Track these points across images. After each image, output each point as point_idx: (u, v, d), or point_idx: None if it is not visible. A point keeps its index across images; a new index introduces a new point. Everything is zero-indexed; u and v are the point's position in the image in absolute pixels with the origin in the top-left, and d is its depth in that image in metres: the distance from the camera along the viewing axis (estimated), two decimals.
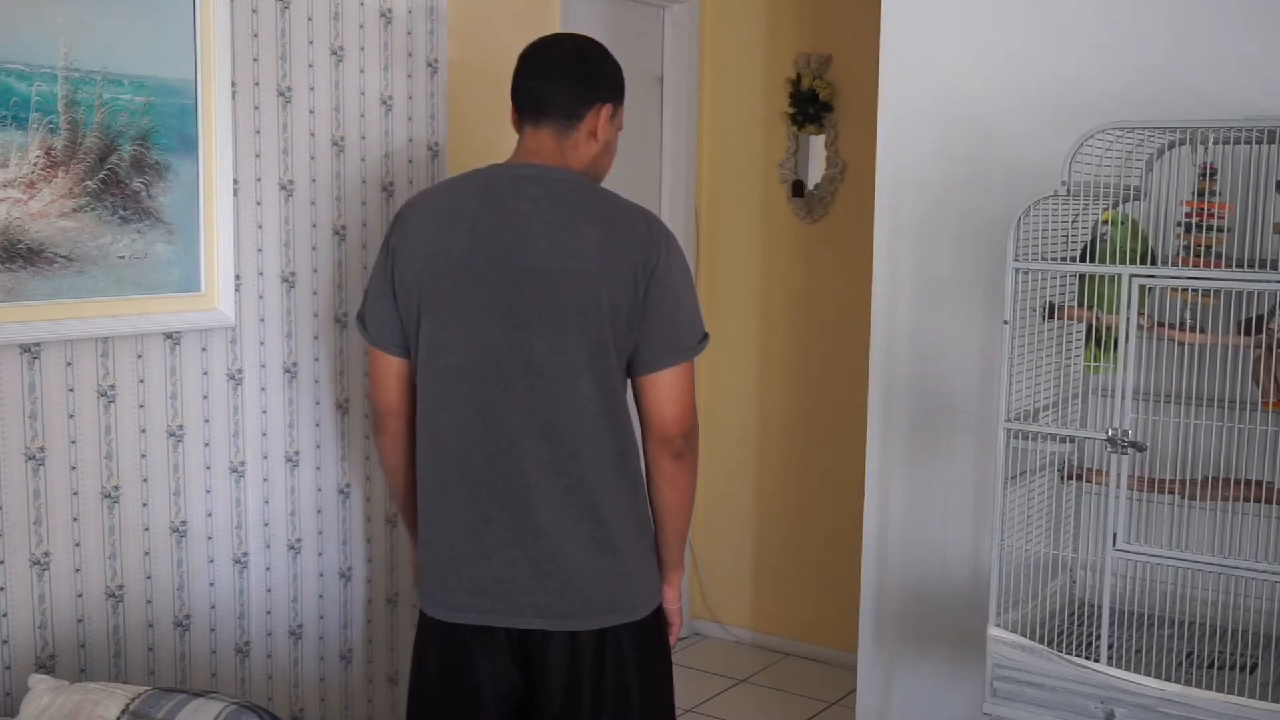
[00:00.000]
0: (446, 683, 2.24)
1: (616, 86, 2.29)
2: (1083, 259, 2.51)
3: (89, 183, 2.57)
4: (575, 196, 2.17)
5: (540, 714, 2.20)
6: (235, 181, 2.87)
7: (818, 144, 4.47)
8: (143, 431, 2.74)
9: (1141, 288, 2.38)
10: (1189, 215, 2.41)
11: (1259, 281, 2.27)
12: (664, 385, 2.17)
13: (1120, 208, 2.61)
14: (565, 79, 2.22)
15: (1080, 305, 2.53)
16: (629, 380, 2.20)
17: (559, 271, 2.11)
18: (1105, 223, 2.45)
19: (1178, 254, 2.43)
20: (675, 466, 2.22)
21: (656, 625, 2.26)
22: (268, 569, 3.06)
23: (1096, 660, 2.43)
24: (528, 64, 2.26)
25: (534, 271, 2.12)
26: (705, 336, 2.23)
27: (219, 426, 2.90)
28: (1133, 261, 2.42)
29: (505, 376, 2.13)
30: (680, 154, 4.56)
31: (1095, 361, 2.57)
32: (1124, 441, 2.39)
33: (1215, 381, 2.50)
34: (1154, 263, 2.47)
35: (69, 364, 2.59)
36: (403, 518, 2.45)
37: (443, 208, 2.21)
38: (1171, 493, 2.52)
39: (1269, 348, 2.34)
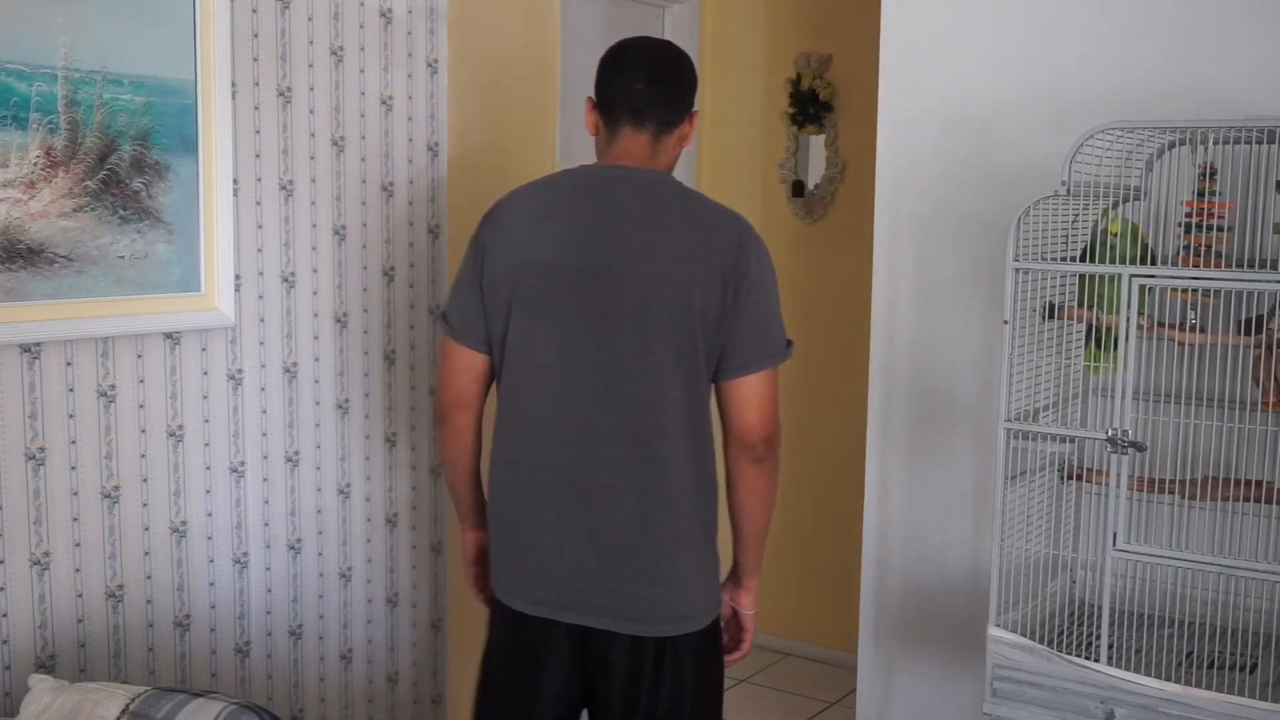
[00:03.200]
0: (510, 670, 2.25)
1: (695, 92, 2.34)
2: (1083, 259, 2.51)
3: (89, 183, 2.57)
4: (668, 198, 2.19)
5: (597, 712, 2.21)
6: (235, 181, 2.87)
7: (818, 144, 4.47)
8: (143, 431, 2.74)
9: (1141, 288, 2.38)
10: (1189, 215, 2.40)
11: (1259, 281, 2.27)
12: (748, 390, 2.16)
13: (1120, 209, 2.61)
14: (668, 86, 2.25)
15: (1080, 305, 2.53)
16: (712, 384, 2.19)
17: (649, 274, 2.12)
18: (1113, 234, 2.45)
19: (1178, 254, 2.43)
20: (756, 472, 2.20)
21: (714, 635, 2.24)
22: (268, 569, 3.06)
23: (1096, 660, 2.43)
24: (627, 68, 2.25)
25: (624, 273, 2.12)
26: (790, 343, 2.23)
27: (219, 426, 2.90)
28: (1133, 262, 2.42)
29: (591, 377, 2.13)
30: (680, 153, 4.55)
31: (1095, 361, 2.56)
32: (1124, 441, 2.39)
33: (1215, 381, 2.50)
34: (1154, 263, 2.47)
35: (69, 364, 2.59)
36: (458, 508, 2.44)
37: (536, 208, 2.22)
38: (1171, 493, 2.52)
39: (1269, 348, 2.34)
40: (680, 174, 4.70)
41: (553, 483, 2.17)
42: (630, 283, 2.12)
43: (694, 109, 2.30)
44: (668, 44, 2.36)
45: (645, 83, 2.23)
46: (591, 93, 2.31)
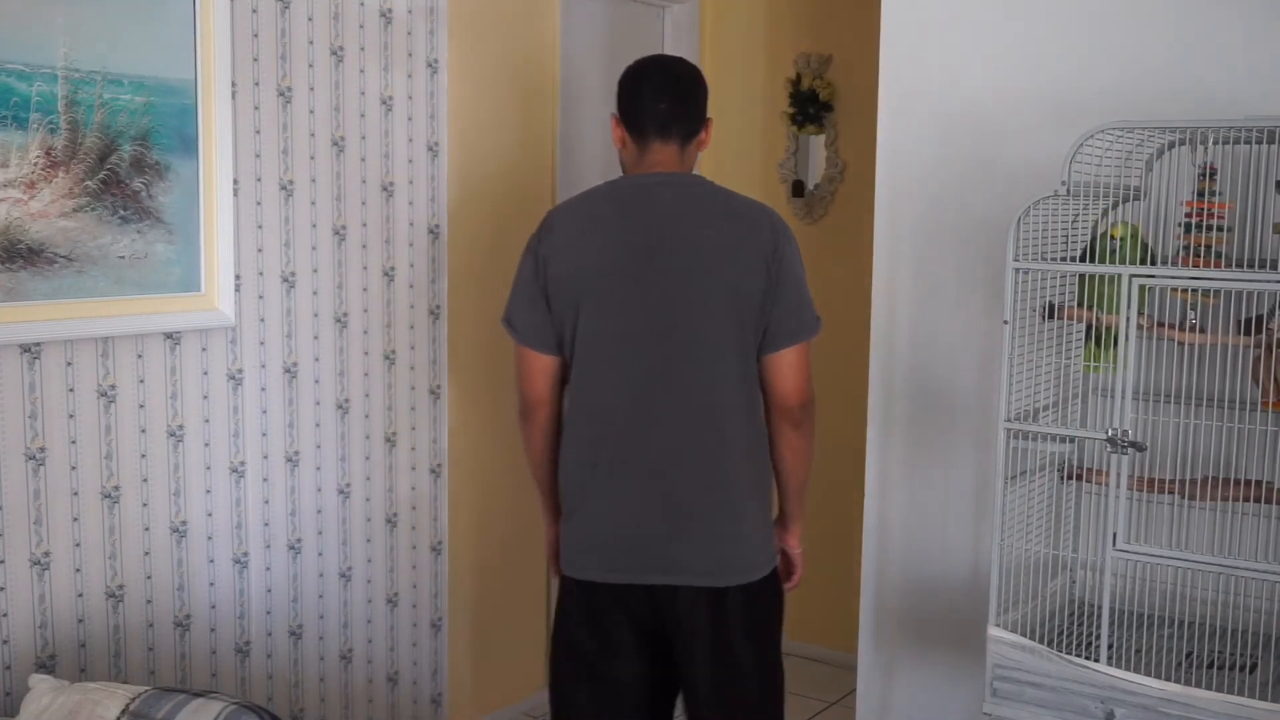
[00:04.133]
0: (593, 638, 2.48)
1: (708, 101, 2.59)
2: (1083, 259, 2.51)
3: (89, 183, 2.57)
4: (706, 196, 2.46)
5: (686, 661, 2.46)
6: (235, 181, 2.87)
7: (818, 144, 4.47)
8: (143, 431, 2.74)
9: (1141, 288, 2.38)
10: (1189, 215, 2.40)
11: (1259, 281, 2.27)
12: (787, 362, 2.44)
13: (1120, 209, 2.61)
14: (689, 101, 2.51)
15: (1080, 305, 2.53)
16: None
17: (699, 266, 2.37)
18: (1114, 238, 2.44)
19: (1178, 254, 2.43)
20: (795, 434, 2.49)
21: (775, 582, 2.52)
22: (268, 569, 3.06)
23: (1096, 660, 2.43)
24: (651, 86, 2.50)
25: (677, 267, 2.38)
26: (819, 319, 2.50)
27: (219, 426, 2.90)
28: (1133, 264, 2.42)
29: (655, 363, 2.39)
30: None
31: (1095, 361, 2.56)
32: (1124, 441, 2.39)
33: (1215, 381, 2.50)
34: (1154, 263, 2.47)
35: (69, 364, 2.59)
36: (542, 498, 2.65)
37: (587, 216, 2.47)
38: (1171, 493, 2.52)
39: (1269, 348, 2.34)
40: None
41: (627, 461, 2.41)
42: (683, 275, 2.38)
43: (709, 118, 2.56)
44: (682, 61, 2.59)
45: (668, 101, 2.48)
46: (614, 109, 2.54)
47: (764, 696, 2.49)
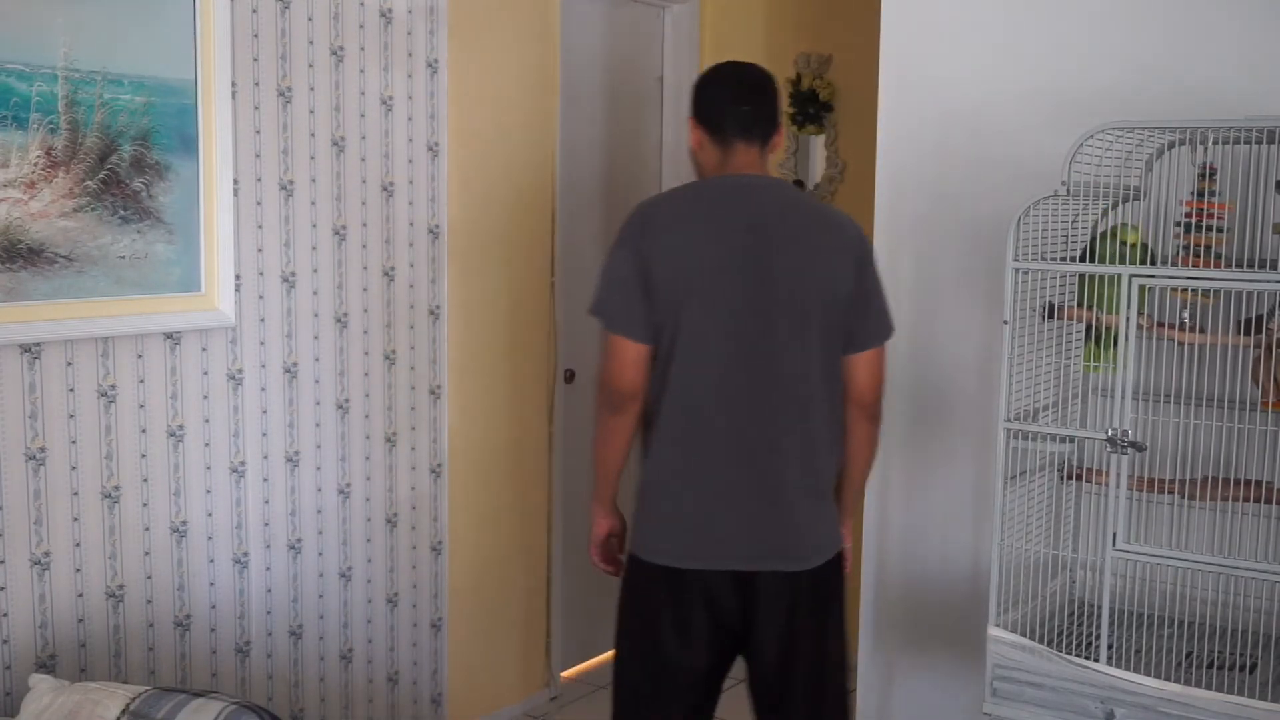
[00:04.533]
0: (674, 621, 2.54)
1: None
2: (1083, 259, 2.51)
3: (89, 183, 2.57)
4: (799, 200, 2.60)
5: (767, 641, 2.54)
6: (235, 181, 2.87)
7: (818, 144, 4.47)
8: (143, 431, 2.74)
9: (1141, 288, 2.38)
10: (1189, 215, 2.40)
11: (1259, 281, 2.27)
12: (868, 361, 2.56)
13: (1120, 209, 2.61)
14: (770, 105, 2.61)
15: (1080, 305, 2.53)
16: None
17: (799, 268, 2.48)
18: (1125, 243, 2.44)
19: (1177, 254, 2.43)
20: (870, 429, 2.62)
21: (841, 561, 2.62)
22: (268, 569, 3.06)
23: (1096, 660, 2.43)
24: (734, 90, 2.60)
25: (780, 268, 2.47)
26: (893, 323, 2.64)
27: (219, 426, 2.90)
28: (1133, 264, 2.42)
29: (756, 359, 2.48)
30: (680, 154, 4.55)
31: (1094, 361, 2.56)
32: (1124, 441, 2.39)
33: (1215, 381, 2.50)
34: (1154, 263, 2.47)
35: (69, 364, 2.59)
36: (605, 492, 2.68)
37: (689, 214, 2.53)
38: (1171, 493, 2.52)
39: (1268, 348, 2.34)
40: (680, 174, 4.71)
41: (724, 452, 2.49)
42: (786, 276, 2.47)
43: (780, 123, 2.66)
44: (758, 67, 2.67)
45: (751, 104, 2.58)
46: (690, 114, 2.63)
47: (836, 670, 2.59)
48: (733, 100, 2.58)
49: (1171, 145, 2.57)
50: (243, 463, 2.97)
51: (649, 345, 2.51)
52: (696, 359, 2.49)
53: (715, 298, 2.48)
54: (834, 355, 2.52)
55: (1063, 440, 2.60)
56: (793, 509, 2.51)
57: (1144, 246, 2.47)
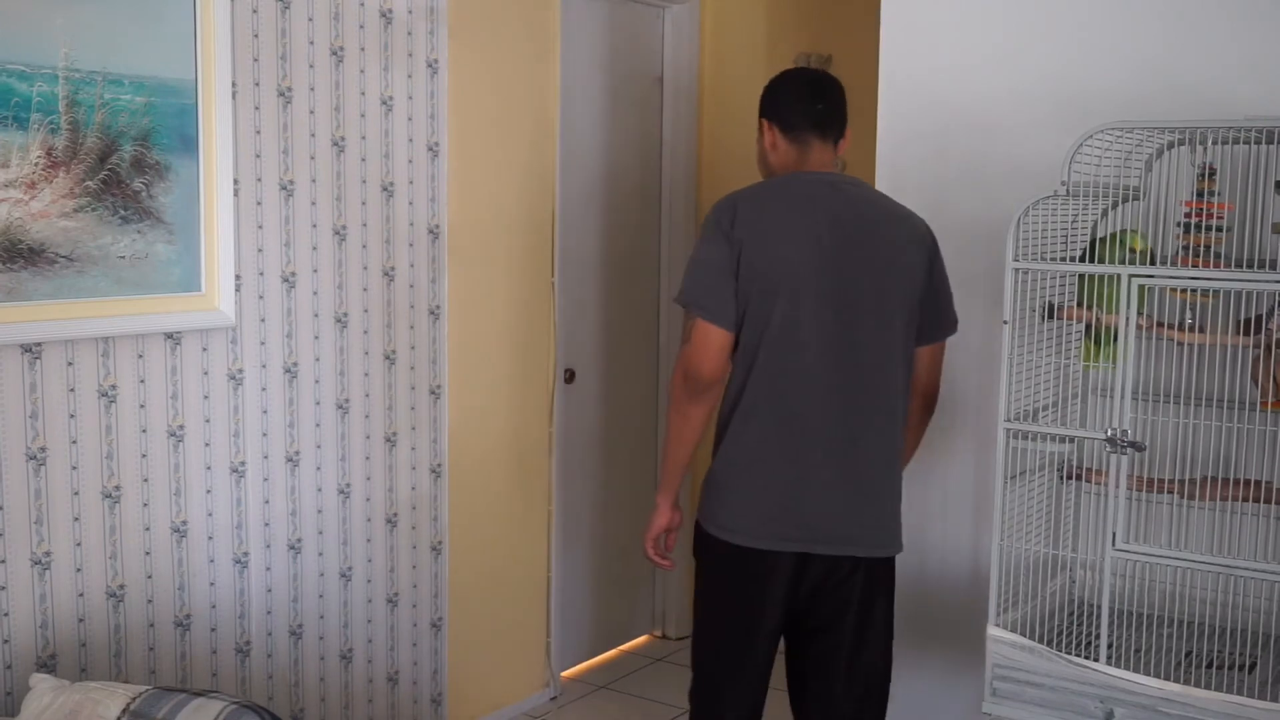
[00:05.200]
0: (755, 602, 2.63)
1: None
2: (1082, 259, 2.51)
3: (90, 183, 2.57)
4: (880, 199, 2.72)
5: (823, 627, 2.65)
6: (235, 181, 2.88)
7: None
8: (143, 431, 2.74)
9: (1141, 288, 2.38)
10: (1188, 215, 2.40)
11: (1258, 281, 2.27)
12: (935, 353, 2.72)
13: (1120, 210, 2.61)
14: (841, 105, 2.74)
15: (1080, 305, 2.53)
16: None
17: (883, 262, 2.59)
18: (1134, 250, 2.44)
19: (1177, 254, 2.43)
20: (927, 419, 2.80)
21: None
22: (268, 569, 3.06)
23: (1096, 660, 2.43)
24: (808, 88, 2.73)
25: (866, 262, 2.58)
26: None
27: (219, 426, 2.91)
28: (1133, 264, 2.42)
29: (843, 349, 2.57)
30: (680, 154, 4.56)
31: (1093, 359, 2.56)
32: (1123, 441, 2.39)
33: (1215, 381, 2.50)
34: (1154, 263, 2.47)
35: (70, 364, 2.59)
36: (674, 479, 2.76)
37: (781, 208, 2.62)
38: (1171, 492, 2.52)
39: (1268, 347, 2.35)
40: (682, 174, 4.71)
41: (812, 439, 2.57)
42: (871, 269, 2.58)
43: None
44: (824, 72, 2.85)
45: (824, 102, 2.71)
46: (763, 115, 2.76)
47: (889, 654, 2.71)
48: (809, 99, 2.71)
49: (1171, 145, 2.57)
50: (243, 462, 2.97)
51: (733, 333, 2.59)
52: (786, 348, 2.57)
53: (804, 289, 2.56)
54: (909, 347, 2.64)
55: (1062, 440, 2.60)
56: (875, 497, 2.61)
57: (1148, 253, 2.47)
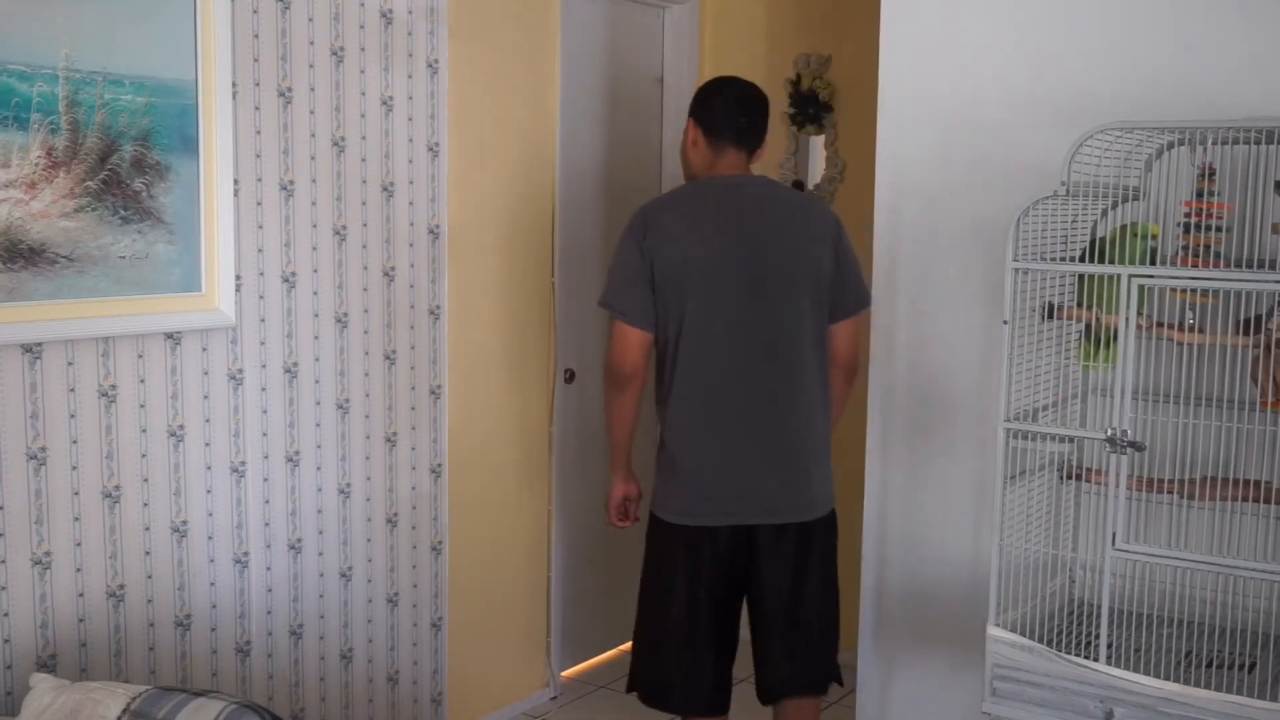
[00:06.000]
0: (701, 576, 2.87)
1: None
2: (1082, 259, 2.51)
3: (90, 183, 2.57)
4: (783, 194, 2.99)
5: (768, 583, 2.88)
6: (236, 181, 2.88)
7: (818, 144, 4.47)
8: (143, 431, 2.74)
9: (1141, 288, 2.39)
10: (1188, 215, 2.41)
11: (1258, 281, 2.27)
12: (849, 329, 2.94)
13: (1120, 209, 2.62)
14: (763, 120, 2.98)
15: (1080, 305, 2.53)
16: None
17: (789, 251, 2.83)
18: (1155, 236, 2.44)
19: (1177, 254, 2.43)
20: (846, 387, 3.01)
21: (834, 516, 2.96)
22: (268, 569, 3.06)
23: (1096, 660, 2.43)
24: (737, 104, 2.96)
25: (772, 254, 2.82)
26: (869, 293, 3.02)
27: (219, 426, 2.91)
28: (1134, 263, 2.42)
29: (756, 337, 2.81)
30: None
31: (1090, 360, 2.57)
32: (1123, 441, 2.40)
33: (1214, 381, 2.50)
34: (1154, 263, 2.47)
35: (70, 364, 2.59)
36: (619, 459, 3.06)
37: (688, 212, 2.88)
38: (1171, 492, 2.52)
39: (1268, 347, 2.35)
40: (680, 174, 4.71)
41: (735, 421, 2.82)
42: (777, 261, 2.82)
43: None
44: (755, 86, 3.03)
45: (752, 118, 2.95)
46: (691, 115, 2.99)
47: (828, 611, 2.93)
48: (735, 113, 2.94)
49: (1171, 145, 2.57)
50: (243, 462, 2.97)
51: (650, 332, 2.85)
52: (703, 339, 2.81)
53: (716, 283, 2.79)
54: (821, 326, 2.86)
55: (1062, 440, 2.60)
56: (796, 467, 2.84)
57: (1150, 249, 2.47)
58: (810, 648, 2.90)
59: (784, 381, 2.82)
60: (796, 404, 2.83)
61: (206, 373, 2.87)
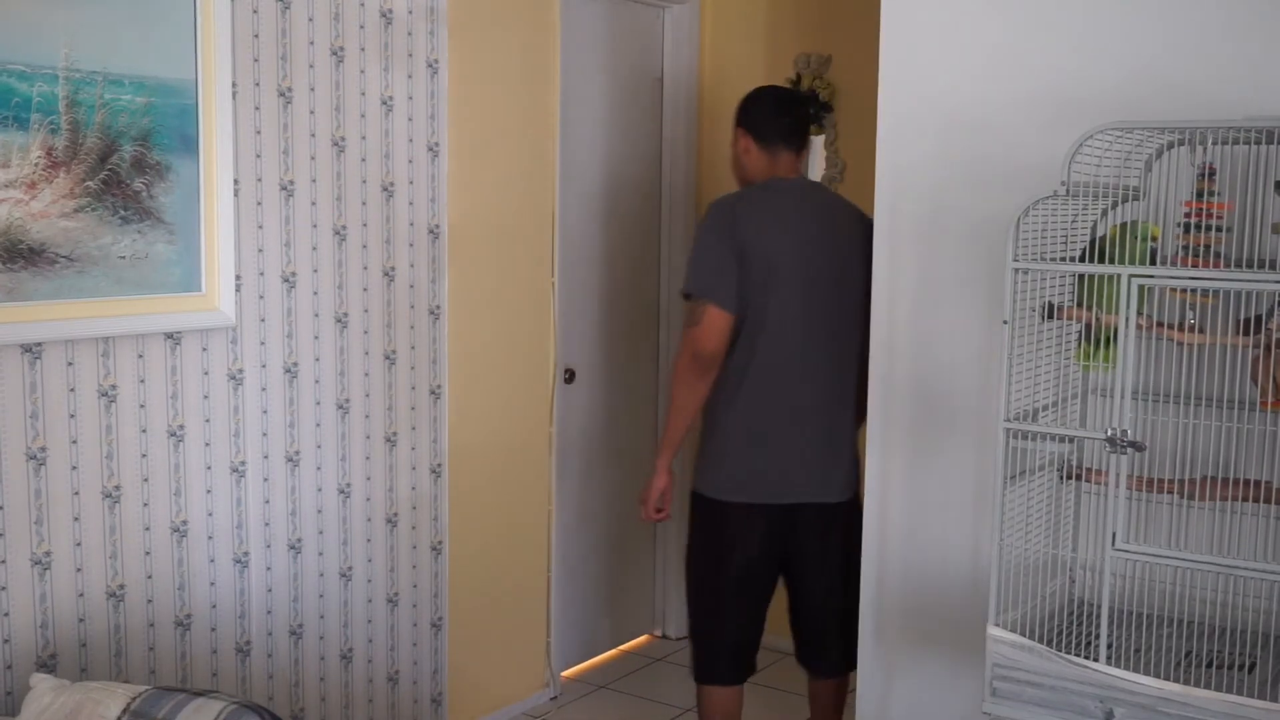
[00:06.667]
0: (754, 548, 3.16)
1: None
2: (1082, 259, 2.51)
3: (90, 183, 2.57)
4: (835, 199, 3.26)
5: (805, 565, 3.23)
6: (236, 181, 2.88)
7: (818, 144, 4.46)
8: (143, 431, 2.74)
9: (1141, 288, 2.38)
10: (1188, 215, 2.40)
11: (1258, 281, 2.27)
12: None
13: (1120, 209, 2.62)
14: (804, 116, 3.33)
15: (1080, 305, 2.53)
16: None
17: (845, 255, 3.11)
18: (1156, 238, 2.44)
19: (1177, 254, 2.43)
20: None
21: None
22: (268, 569, 3.07)
23: (1096, 660, 2.43)
24: (776, 105, 3.29)
25: (831, 255, 3.12)
26: None
27: (219, 426, 2.91)
28: (1134, 264, 2.42)
29: (820, 332, 3.10)
30: (680, 154, 4.56)
31: (1088, 360, 2.56)
32: (1123, 441, 2.39)
33: (1215, 381, 2.50)
34: (1154, 263, 2.47)
35: (70, 364, 2.59)
36: (675, 444, 3.24)
37: (766, 209, 3.14)
38: (1171, 493, 2.52)
39: (1268, 347, 2.35)
40: (682, 174, 4.72)
41: (797, 408, 3.11)
42: (836, 261, 3.11)
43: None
44: (798, 91, 3.59)
45: (789, 116, 3.26)
46: (739, 125, 3.29)
47: (852, 580, 3.17)
48: (778, 112, 3.23)
49: (1171, 145, 2.57)
50: (243, 462, 2.97)
51: (735, 317, 3.06)
52: (779, 334, 3.07)
53: (791, 281, 3.06)
54: (860, 325, 3.08)
55: (1063, 440, 2.60)
56: (841, 456, 3.17)
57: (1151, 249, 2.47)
58: (849, 628, 3.15)
59: (837, 379, 3.11)
60: (845, 399, 3.12)
61: (206, 373, 2.87)
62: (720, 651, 3.25)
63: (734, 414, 3.13)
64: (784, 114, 3.25)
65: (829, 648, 3.31)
